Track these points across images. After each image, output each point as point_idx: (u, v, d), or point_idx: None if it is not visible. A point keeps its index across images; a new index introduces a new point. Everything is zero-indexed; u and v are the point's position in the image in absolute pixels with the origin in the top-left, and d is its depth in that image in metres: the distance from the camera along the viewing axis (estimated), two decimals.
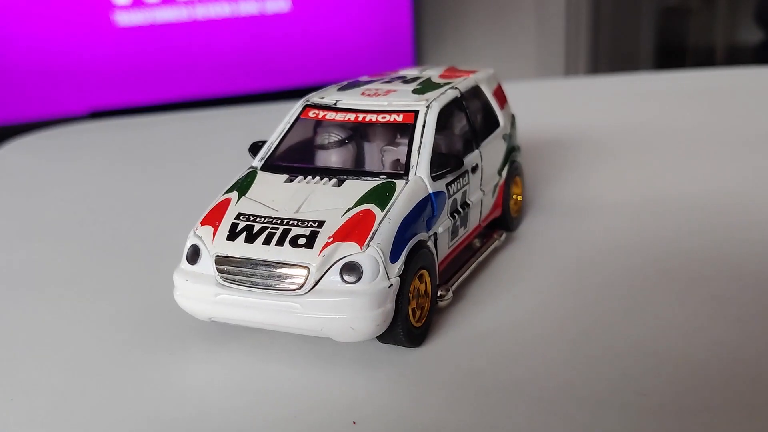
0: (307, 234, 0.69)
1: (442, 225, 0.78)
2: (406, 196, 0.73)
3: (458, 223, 0.82)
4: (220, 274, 0.70)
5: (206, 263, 0.71)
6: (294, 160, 0.82)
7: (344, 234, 0.68)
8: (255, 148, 0.85)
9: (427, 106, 0.81)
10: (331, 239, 0.68)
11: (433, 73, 0.95)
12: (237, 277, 0.69)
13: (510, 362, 0.70)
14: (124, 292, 0.88)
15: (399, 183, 0.74)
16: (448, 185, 0.79)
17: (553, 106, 1.65)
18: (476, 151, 0.86)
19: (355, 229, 0.69)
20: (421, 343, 0.73)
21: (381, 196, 0.72)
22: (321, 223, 0.70)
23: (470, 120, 0.87)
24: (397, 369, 0.70)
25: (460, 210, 0.82)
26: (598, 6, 2.93)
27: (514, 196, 1.00)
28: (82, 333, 0.80)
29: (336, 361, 0.72)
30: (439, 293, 0.77)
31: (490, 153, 0.90)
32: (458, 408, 0.64)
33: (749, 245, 0.91)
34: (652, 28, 3.00)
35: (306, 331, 0.68)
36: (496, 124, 0.95)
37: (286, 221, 0.71)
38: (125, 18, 2.41)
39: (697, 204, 1.04)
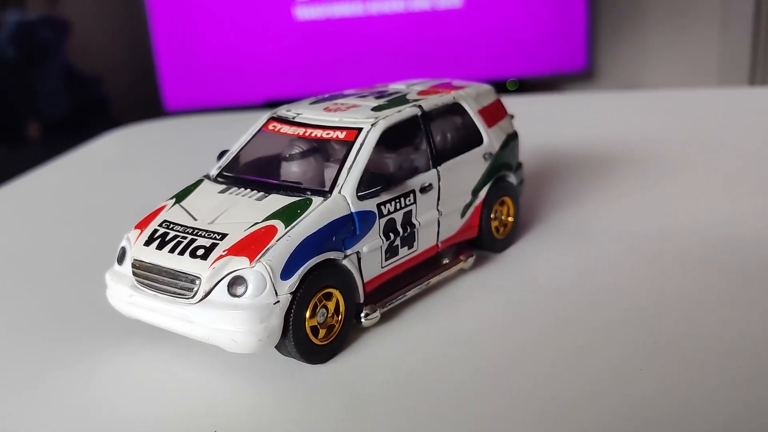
0: (207, 245, 0.71)
1: (369, 245, 0.78)
2: (317, 214, 0.73)
3: (397, 243, 0.81)
4: (135, 277, 0.74)
5: (128, 265, 0.76)
6: (245, 171, 0.85)
7: (239, 248, 0.70)
8: (221, 156, 0.88)
9: (372, 125, 0.81)
10: (225, 252, 0.70)
11: (417, 89, 0.94)
12: (146, 281, 0.73)
13: (407, 390, 0.69)
14: None
15: (316, 200, 0.75)
16: (381, 205, 0.79)
17: (734, 118, 1.56)
18: (432, 171, 0.85)
19: (252, 244, 0.70)
20: (325, 360, 0.74)
21: (292, 212, 0.74)
22: (224, 236, 0.72)
23: (430, 139, 0.86)
24: (289, 384, 0.71)
25: (400, 230, 0.81)
26: None
27: (503, 217, 0.97)
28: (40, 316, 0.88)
29: (239, 369, 0.74)
30: (364, 312, 0.77)
31: (456, 173, 0.88)
32: (326, 427, 0.65)
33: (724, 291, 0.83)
34: None
35: (197, 338, 0.71)
36: (478, 143, 0.93)
37: (196, 231, 0.74)
38: (305, 12, 2.56)
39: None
